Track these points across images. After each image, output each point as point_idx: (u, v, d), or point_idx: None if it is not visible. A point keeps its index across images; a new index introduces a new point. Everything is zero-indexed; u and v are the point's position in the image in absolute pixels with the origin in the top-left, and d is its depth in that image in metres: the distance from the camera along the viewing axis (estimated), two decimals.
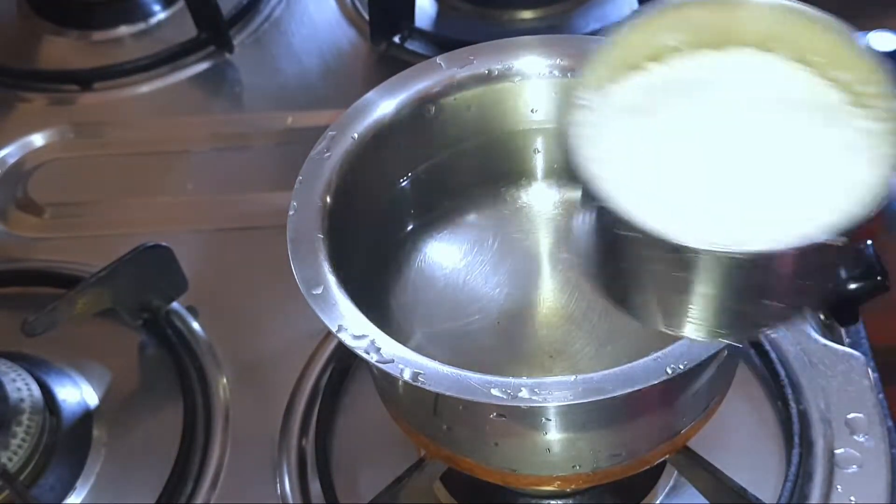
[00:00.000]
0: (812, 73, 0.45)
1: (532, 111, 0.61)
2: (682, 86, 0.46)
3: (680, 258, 0.41)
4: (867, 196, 0.41)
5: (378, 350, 0.48)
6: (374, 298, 0.57)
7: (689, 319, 0.44)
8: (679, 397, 0.54)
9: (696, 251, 0.40)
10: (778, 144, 0.43)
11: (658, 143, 0.44)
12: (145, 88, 0.93)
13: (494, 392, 0.46)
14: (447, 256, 0.60)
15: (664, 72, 0.47)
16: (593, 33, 0.89)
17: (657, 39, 0.47)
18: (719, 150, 0.43)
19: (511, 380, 0.46)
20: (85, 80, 0.94)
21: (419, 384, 0.46)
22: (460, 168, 0.61)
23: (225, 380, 0.71)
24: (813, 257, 0.40)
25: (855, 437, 0.63)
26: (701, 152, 0.43)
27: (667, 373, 0.45)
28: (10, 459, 0.64)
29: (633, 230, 0.41)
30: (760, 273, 0.41)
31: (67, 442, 0.68)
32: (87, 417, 0.70)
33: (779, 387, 0.66)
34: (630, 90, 0.47)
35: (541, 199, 0.62)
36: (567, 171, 0.45)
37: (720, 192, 0.42)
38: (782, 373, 0.66)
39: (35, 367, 0.71)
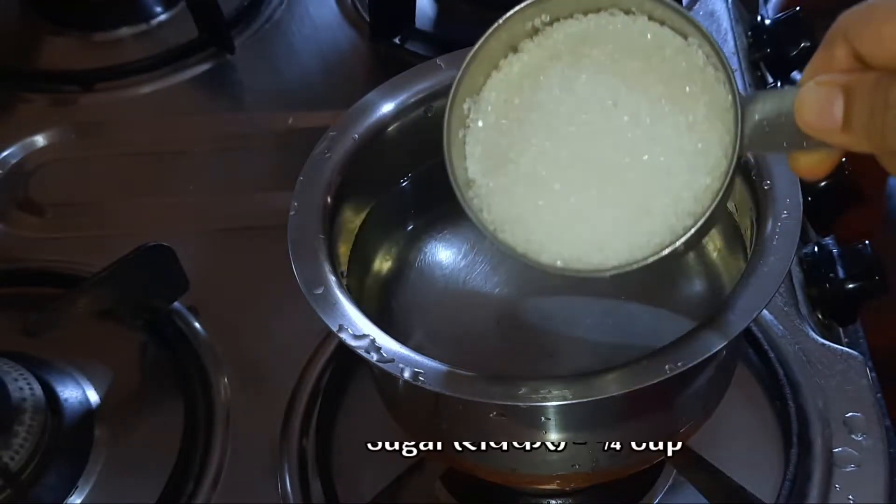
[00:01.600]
0: (675, 34, 0.46)
1: None
2: (544, 69, 0.47)
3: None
4: (707, 197, 0.44)
5: (378, 350, 0.48)
6: (375, 298, 0.58)
7: None
8: (678, 397, 0.54)
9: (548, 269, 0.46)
10: (635, 131, 0.44)
11: (516, 143, 0.46)
12: (146, 89, 0.93)
13: (494, 391, 0.46)
14: (447, 256, 0.60)
15: (526, 58, 0.48)
16: None
17: (520, 29, 0.48)
18: (575, 144, 0.45)
19: (511, 379, 0.47)
20: (86, 80, 0.94)
21: (419, 384, 0.47)
22: None
23: (226, 380, 0.71)
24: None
25: (853, 437, 0.63)
26: (555, 149, 0.45)
27: (666, 372, 0.45)
28: (11, 459, 0.64)
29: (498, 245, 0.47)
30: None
31: (69, 441, 0.68)
32: (88, 417, 0.70)
33: (777, 386, 0.66)
34: (495, 88, 0.49)
35: None
36: None
37: (576, 194, 0.45)
38: (781, 372, 0.66)
39: (37, 366, 0.71)
